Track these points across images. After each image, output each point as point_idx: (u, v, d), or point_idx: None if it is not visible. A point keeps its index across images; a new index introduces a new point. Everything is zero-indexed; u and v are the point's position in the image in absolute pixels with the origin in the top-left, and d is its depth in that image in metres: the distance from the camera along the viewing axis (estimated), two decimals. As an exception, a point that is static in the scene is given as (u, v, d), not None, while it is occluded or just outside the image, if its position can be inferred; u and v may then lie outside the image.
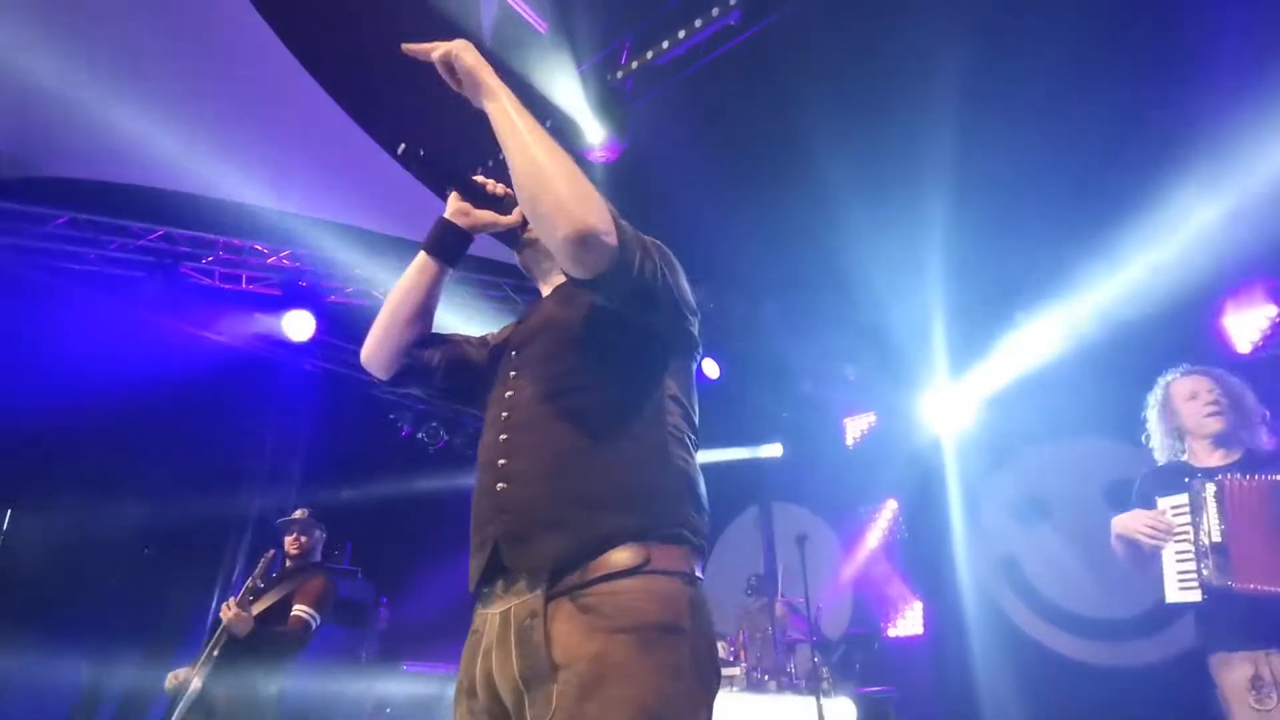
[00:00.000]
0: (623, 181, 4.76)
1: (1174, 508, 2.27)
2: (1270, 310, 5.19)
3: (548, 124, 1.31)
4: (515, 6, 4.07)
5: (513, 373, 1.37)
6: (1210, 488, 2.19)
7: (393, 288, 1.51)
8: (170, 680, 3.30)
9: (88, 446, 4.60)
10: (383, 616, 5.51)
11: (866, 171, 4.75)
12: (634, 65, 4.24)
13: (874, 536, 6.81)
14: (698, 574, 1.22)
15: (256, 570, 3.41)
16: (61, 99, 4.15)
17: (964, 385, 6.13)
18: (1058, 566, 5.76)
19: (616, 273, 1.20)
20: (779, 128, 4.44)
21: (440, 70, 1.31)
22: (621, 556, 1.15)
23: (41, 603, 4.13)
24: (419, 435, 6.39)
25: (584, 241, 1.15)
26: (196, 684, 3.14)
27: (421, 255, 1.50)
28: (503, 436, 1.30)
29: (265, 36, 3.86)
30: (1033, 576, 5.90)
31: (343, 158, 4.73)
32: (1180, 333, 5.35)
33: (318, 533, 3.70)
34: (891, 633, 6.45)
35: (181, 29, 3.86)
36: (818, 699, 4.61)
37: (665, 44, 4.15)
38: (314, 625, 3.37)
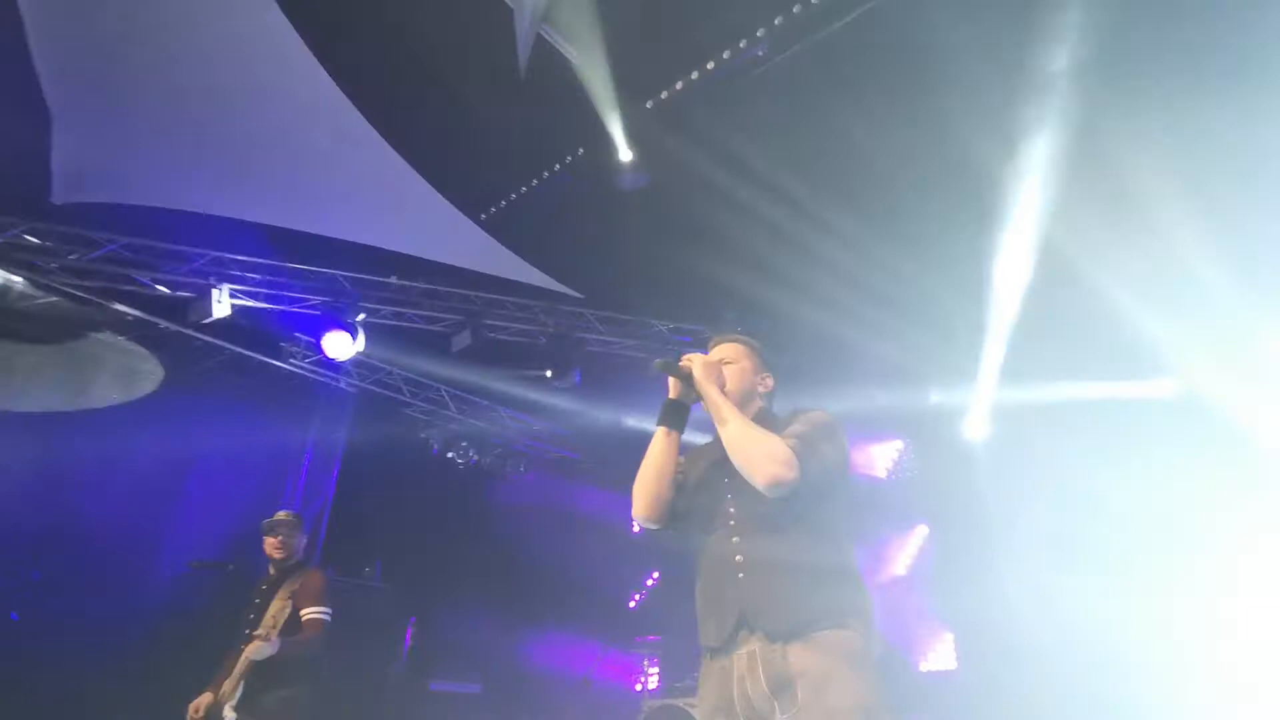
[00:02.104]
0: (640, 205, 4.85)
1: None
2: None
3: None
4: (548, 36, 4.21)
5: (729, 494, 1.93)
6: None
7: (644, 460, 2.02)
8: (192, 713, 3.28)
9: (136, 465, 4.77)
10: (410, 634, 5.56)
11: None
12: (664, 95, 4.36)
13: (902, 564, 6.69)
14: (870, 633, 1.79)
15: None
16: (113, 125, 4.38)
17: (1002, 407, 6.04)
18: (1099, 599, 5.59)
19: (799, 490, 1.81)
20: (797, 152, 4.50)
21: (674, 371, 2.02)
22: (825, 626, 1.74)
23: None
24: (450, 454, 6.49)
25: (774, 486, 1.80)
26: (230, 714, 3.17)
27: (661, 430, 2.03)
28: (735, 539, 1.88)
29: (297, 58, 4.02)
30: (1073, 609, 5.72)
31: (376, 181, 4.91)
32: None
33: (301, 537, 3.69)
34: (923, 667, 6.29)
35: (216, 54, 4.05)
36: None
37: (695, 74, 4.27)
38: (328, 620, 3.41)
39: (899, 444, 6.94)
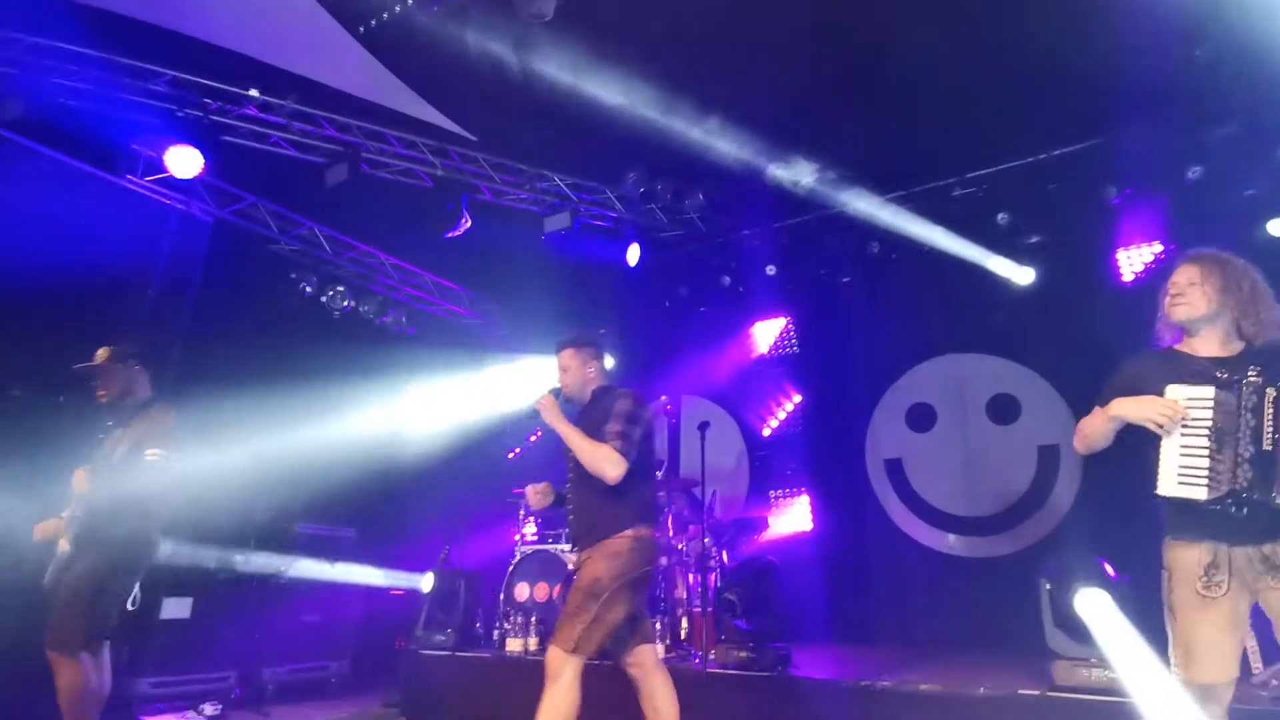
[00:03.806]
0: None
1: (1192, 400, 2.10)
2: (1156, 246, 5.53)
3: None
4: None
5: (572, 463, 2.97)
6: (1271, 392, 2.04)
7: None
8: (38, 532, 3.24)
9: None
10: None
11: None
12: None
13: (772, 429, 7.13)
14: (642, 536, 2.89)
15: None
16: None
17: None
18: (936, 470, 6.23)
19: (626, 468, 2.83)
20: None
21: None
22: (605, 537, 2.88)
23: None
24: (322, 298, 6.06)
25: (617, 477, 2.80)
26: (65, 545, 3.09)
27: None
28: (570, 489, 3.04)
29: None
30: (913, 478, 6.36)
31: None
32: (1065, 259, 5.68)
33: (125, 370, 3.37)
34: (783, 527, 6.83)
35: None
36: (704, 574, 4.93)
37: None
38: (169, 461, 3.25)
39: (783, 320, 7.18)
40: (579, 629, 2.68)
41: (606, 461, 2.76)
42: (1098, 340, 5.36)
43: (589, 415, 2.99)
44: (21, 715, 3.83)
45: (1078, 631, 3.39)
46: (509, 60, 4.73)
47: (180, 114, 4.57)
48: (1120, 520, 4.74)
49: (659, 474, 3.14)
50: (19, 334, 4.60)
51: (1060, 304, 5.64)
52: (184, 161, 4.46)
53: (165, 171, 4.56)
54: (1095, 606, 3.37)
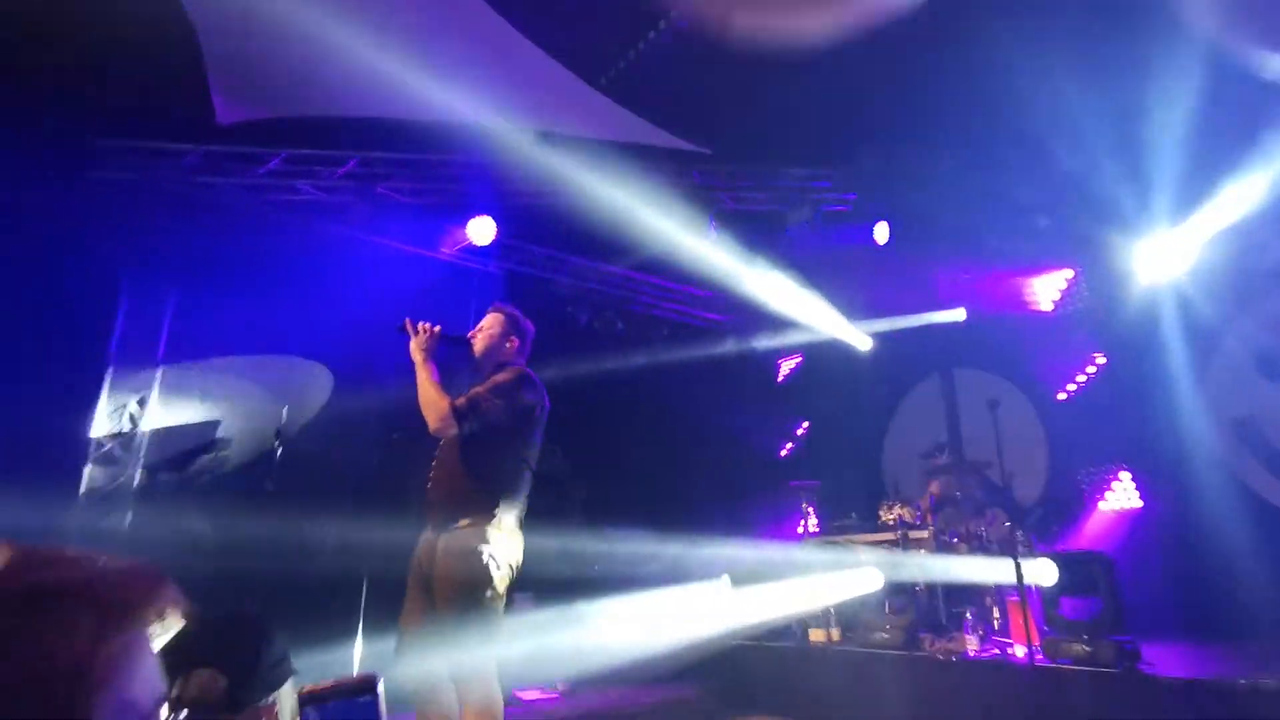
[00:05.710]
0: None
1: None
2: None
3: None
4: None
5: None
6: None
7: None
8: None
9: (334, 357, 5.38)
10: (582, 488, 6.13)
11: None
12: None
13: (1069, 394, 6.33)
14: (497, 528, 2.57)
15: None
16: (252, 34, 4.57)
17: (1189, 224, 5.33)
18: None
19: (456, 432, 2.57)
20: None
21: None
22: (462, 521, 2.58)
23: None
24: (595, 324, 6.76)
25: (437, 433, 2.59)
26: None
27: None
28: (434, 460, 2.72)
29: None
30: (1275, 437, 5.22)
31: (497, 60, 4.87)
32: None
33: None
34: (1103, 506, 6.05)
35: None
36: (1015, 558, 4.55)
37: None
38: None
39: (1068, 273, 6.36)
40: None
41: (435, 411, 2.50)
42: None
43: (478, 382, 2.73)
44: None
45: None
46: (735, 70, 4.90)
47: (473, 190, 5.46)
48: None
49: (527, 472, 2.71)
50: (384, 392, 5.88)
51: None
52: (482, 230, 5.33)
53: (468, 241, 5.48)
54: None
